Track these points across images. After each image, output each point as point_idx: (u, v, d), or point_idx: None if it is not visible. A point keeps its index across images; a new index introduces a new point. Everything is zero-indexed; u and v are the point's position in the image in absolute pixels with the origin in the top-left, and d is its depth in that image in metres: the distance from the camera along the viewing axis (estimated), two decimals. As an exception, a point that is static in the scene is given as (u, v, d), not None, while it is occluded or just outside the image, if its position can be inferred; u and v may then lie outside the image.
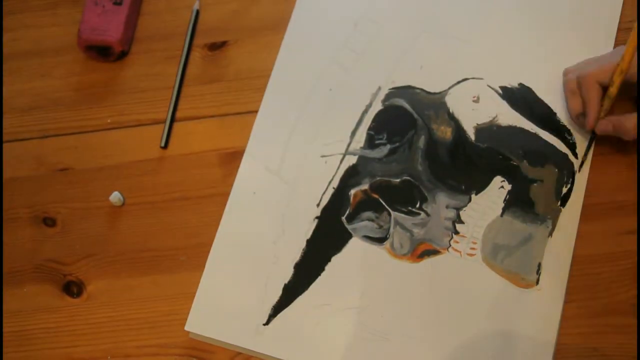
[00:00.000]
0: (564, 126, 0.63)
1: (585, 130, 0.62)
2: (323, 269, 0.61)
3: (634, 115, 0.59)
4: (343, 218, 0.63)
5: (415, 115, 0.65)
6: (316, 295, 0.60)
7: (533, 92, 0.65)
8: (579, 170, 0.62)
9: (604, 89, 0.60)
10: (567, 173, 0.62)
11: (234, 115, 0.68)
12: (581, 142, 0.63)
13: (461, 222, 0.61)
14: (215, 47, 0.71)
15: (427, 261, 0.61)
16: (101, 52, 0.71)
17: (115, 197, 0.66)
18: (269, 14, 0.72)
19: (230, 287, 0.62)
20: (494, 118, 0.64)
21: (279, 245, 0.62)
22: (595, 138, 0.62)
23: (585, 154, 0.62)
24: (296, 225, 0.63)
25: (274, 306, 0.61)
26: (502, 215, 0.61)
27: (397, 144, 0.65)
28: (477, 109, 0.65)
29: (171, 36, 0.72)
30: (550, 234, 0.60)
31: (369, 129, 0.66)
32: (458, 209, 0.62)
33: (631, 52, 0.57)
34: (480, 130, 0.64)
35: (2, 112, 0.71)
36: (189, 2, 0.73)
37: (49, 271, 0.65)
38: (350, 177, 0.64)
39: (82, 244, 0.65)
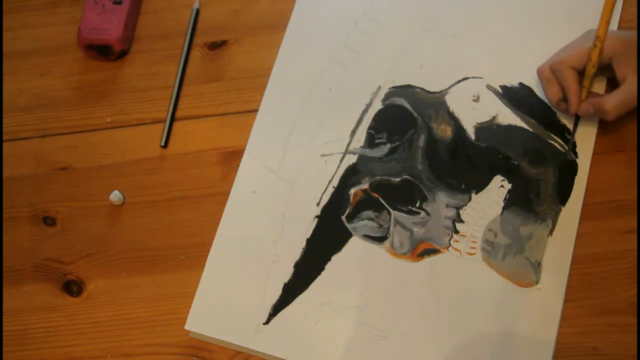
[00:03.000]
0: (564, 126, 0.63)
1: (569, 115, 0.62)
2: (323, 268, 0.61)
3: (613, 96, 0.60)
4: (343, 217, 0.63)
5: (415, 114, 0.65)
6: (316, 294, 0.60)
7: (533, 92, 0.65)
8: (573, 151, 0.62)
9: (579, 73, 0.61)
10: (567, 172, 0.62)
11: (234, 114, 0.68)
12: (581, 142, 0.63)
13: (461, 221, 0.61)
14: (215, 46, 0.71)
15: (427, 260, 0.61)
16: (101, 51, 0.71)
17: (115, 196, 0.66)
18: (269, 13, 0.71)
19: (230, 286, 0.62)
20: (494, 117, 0.64)
21: (279, 244, 0.62)
22: (579, 119, 0.63)
23: (573, 134, 0.62)
24: (296, 224, 0.63)
25: (274, 305, 0.61)
26: (502, 214, 0.61)
27: (397, 143, 0.65)
28: (477, 108, 0.65)
29: (171, 35, 0.72)
30: (550, 233, 0.60)
31: (369, 128, 0.65)
32: (458, 208, 0.62)
33: (605, 26, 0.59)
34: (480, 129, 0.64)
35: (2, 111, 0.71)
36: (189, 1, 0.73)
37: (49, 270, 0.65)
38: (350, 176, 0.64)
39: (82, 243, 0.65)
